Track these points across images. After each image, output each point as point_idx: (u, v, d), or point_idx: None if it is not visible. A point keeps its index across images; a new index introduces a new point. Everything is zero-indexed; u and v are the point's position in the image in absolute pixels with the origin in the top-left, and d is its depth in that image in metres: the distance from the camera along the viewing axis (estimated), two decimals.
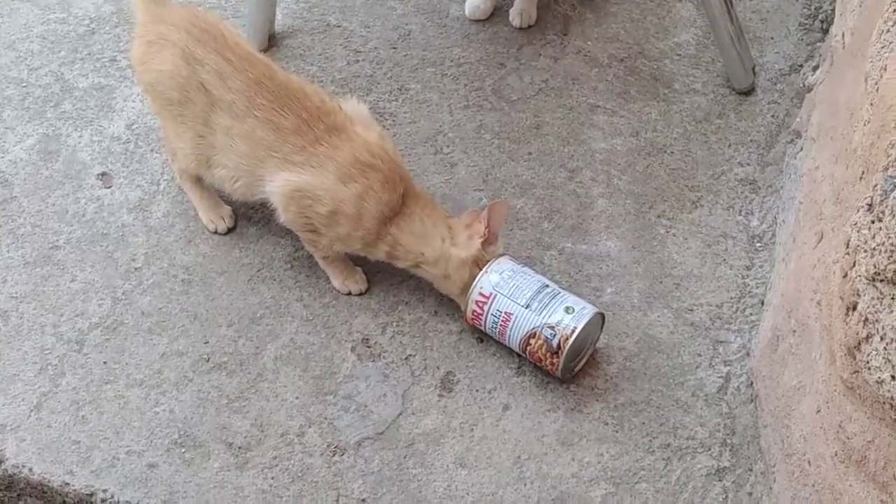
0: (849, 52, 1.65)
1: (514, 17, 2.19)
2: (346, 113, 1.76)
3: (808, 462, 1.38)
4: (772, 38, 2.17)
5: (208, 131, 1.76)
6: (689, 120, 2.05)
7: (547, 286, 1.72)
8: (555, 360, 1.68)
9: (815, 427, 1.35)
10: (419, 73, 2.13)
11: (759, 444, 1.62)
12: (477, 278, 1.72)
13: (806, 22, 2.17)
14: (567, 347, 1.66)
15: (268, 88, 1.72)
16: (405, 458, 1.65)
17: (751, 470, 1.63)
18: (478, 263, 1.72)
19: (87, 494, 1.61)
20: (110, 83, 2.11)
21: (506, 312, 1.70)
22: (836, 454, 1.27)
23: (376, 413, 1.69)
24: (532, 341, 1.69)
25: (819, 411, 1.34)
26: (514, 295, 1.70)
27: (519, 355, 1.74)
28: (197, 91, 1.74)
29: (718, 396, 1.71)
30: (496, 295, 1.71)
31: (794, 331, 1.51)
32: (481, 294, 1.71)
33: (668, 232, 1.91)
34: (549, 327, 1.67)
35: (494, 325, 1.72)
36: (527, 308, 1.69)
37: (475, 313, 1.73)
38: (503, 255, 1.77)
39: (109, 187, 1.96)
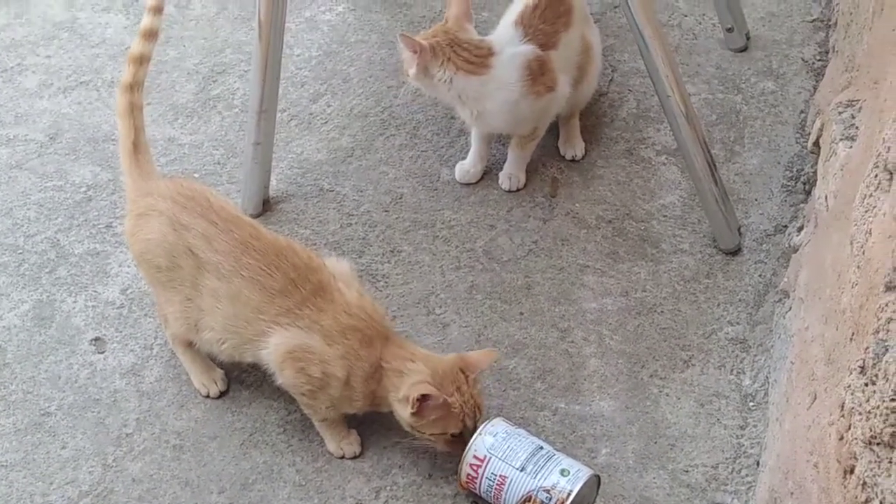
0: (832, 214, 1.68)
1: (504, 180, 2.24)
2: (330, 271, 1.79)
3: None
4: (756, 200, 2.21)
5: (196, 294, 1.78)
6: (678, 280, 2.08)
7: (542, 448, 1.71)
8: None
9: None
10: (411, 235, 2.16)
11: None
12: (471, 441, 1.71)
13: (788, 184, 2.22)
14: None
15: (255, 248, 1.75)
16: None
17: None
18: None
19: None
20: (105, 249, 2.13)
21: (501, 475, 1.68)
22: None
23: None
24: None
25: None
26: (508, 458, 1.69)
27: None
28: (184, 256, 1.76)
29: None
30: (490, 458, 1.70)
31: (792, 493, 1.50)
32: (475, 457, 1.70)
33: (660, 391, 1.91)
34: (544, 490, 1.66)
35: (489, 489, 1.70)
36: (522, 471, 1.68)
37: (470, 477, 1.71)
38: (497, 416, 1.77)
39: (102, 352, 1.96)
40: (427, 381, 1.69)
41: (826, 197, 1.76)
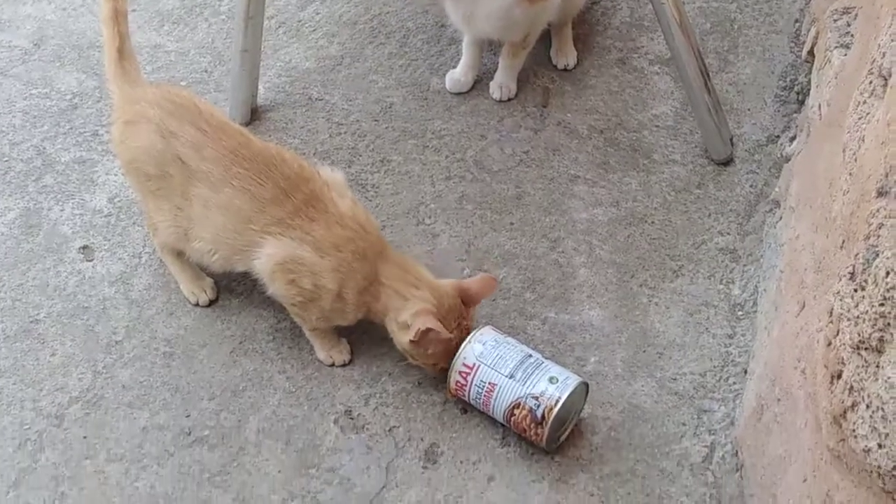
0: (826, 122, 1.67)
1: (494, 90, 2.22)
2: (324, 180, 1.77)
3: None
4: (748, 110, 2.19)
5: (186, 203, 1.76)
6: (669, 190, 2.07)
7: (530, 356, 1.72)
8: (539, 431, 1.67)
9: (802, 496, 1.34)
10: (401, 146, 2.14)
11: None
12: (461, 349, 1.71)
13: (782, 94, 2.20)
14: (552, 418, 1.65)
15: (244, 156, 1.72)
16: None
17: None
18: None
19: None
20: (92, 157, 2.11)
21: (490, 383, 1.69)
22: None
23: (360, 486, 1.68)
24: (516, 412, 1.68)
25: (805, 480, 1.34)
26: (497, 365, 1.70)
27: (503, 426, 1.73)
28: (173, 164, 1.74)
29: (704, 466, 1.70)
30: (480, 365, 1.70)
31: (779, 399, 1.51)
32: (465, 365, 1.71)
33: (650, 301, 1.91)
34: (533, 397, 1.67)
35: (478, 396, 1.71)
36: (511, 378, 1.68)
37: (459, 384, 1.72)
38: (486, 325, 1.77)
39: (91, 261, 1.95)
40: (433, 313, 1.69)
41: (819, 105, 1.74)
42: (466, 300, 1.74)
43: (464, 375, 1.71)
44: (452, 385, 1.73)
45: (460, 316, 1.73)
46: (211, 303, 1.90)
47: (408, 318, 1.70)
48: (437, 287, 1.74)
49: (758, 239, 1.97)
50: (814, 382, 1.31)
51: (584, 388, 1.72)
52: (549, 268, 1.96)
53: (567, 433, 1.73)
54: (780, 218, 1.84)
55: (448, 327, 1.70)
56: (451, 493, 1.67)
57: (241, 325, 1.87)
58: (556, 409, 1.65)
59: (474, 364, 1.70)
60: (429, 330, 1.67)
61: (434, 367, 1.75)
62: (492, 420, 1.74)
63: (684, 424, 1.75)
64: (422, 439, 1.73)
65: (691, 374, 1.82)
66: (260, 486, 1.67)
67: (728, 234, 2.01)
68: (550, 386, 1.67)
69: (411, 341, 1.69)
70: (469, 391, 1.72)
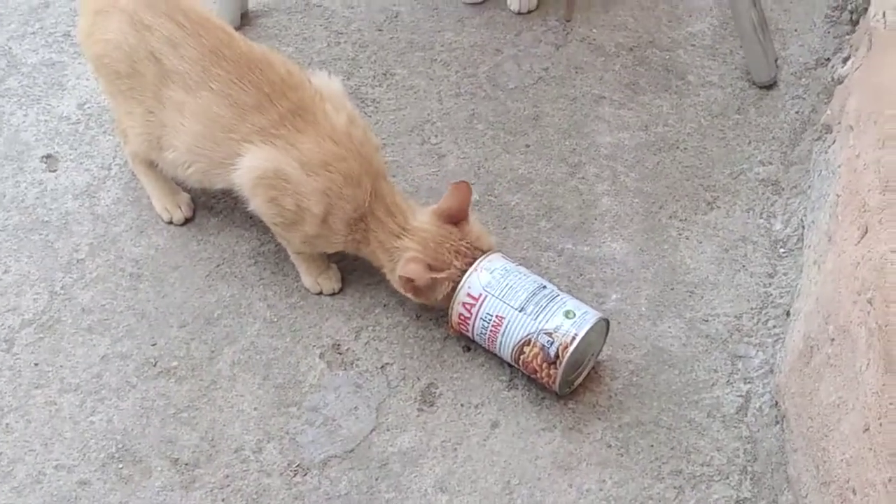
0: (892, 29, 1.46)
1: (513, 1, 2.00)
2: (316, 88, 1.55)
3: (853, 491, 1.18)
4: (795, 31, 1.98)
5: (159, 107, 1.56)
6: (705, 114, 1.86)
7: (544, 287, 1.51)
8: (552, 372, 1.46)
9: (863, 449, 1.15)
10: (406, 58, 1.93)
11: (787, 471, 1.41)
12: (465, 277, 1.51)
13: (833, 14, 1.99)
14: (566, 357, 1.45)
15: (226, 57, 1.52)
16: (377, 480, 1.44)
17: (775, 502, 1.43)
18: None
19: None
20: (62, 59, 1.91)
21: (497, 316, 1.48)
22: (890, 480, 1.06)
23: (345, 428, 1.49)
24: (526, 349, 1.47)
25: (868, 430, 1.15)
26: (506, 296, 1.49)
27: (510, 366, 1.54)
28: (146, 61, 1.54)
29: (738, 418, 1.50)
30: (486, 296, 1.49)
31: (833, 339, 1.30)
32: (469, 295, 1.50)
33: (680, 234, 1.71)
34: (545, 333, 1.46)
35: (483, 331, 1.50)
36: (521, 311, 1.48)
37: (462, 317, 1.52)
38: (496, 251, 1.56)
39: (54, 171, 1.75)
40: (417, 259, 1.50)
41: (884, 13, 1.53)
42: (450, 219, 1.54)
43: (467, 307, 1.50)
44: (455, 318, 1.53)
45: (455, 241, 1.52)
46: (186, 221, 1.71)
47: (399, 271, 1.52)
48: (417, 229, 1.54)
49: (804, 169, 1.76)
50: (885, 312, 1.10)
51: (604, 326, 1.52)
52: (568, 195, 1.75)
53: (583, 377, 1.54)
54: (833, 142, 1.63)
55: (443, 262, 1.51)
56: (450, 438, 1.48)
57: (218, 246, 1.68)
58: (571, 348, 1.45)
59: (480, 294, 1.50)
60: (409, 280, 1.49)
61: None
62: (498, 359, 1.55)
63: (716, 371, 1.55)
64: (418, 378, 1.55)
65: (725, 315, 1.61)
66: (232, 425, 1.48)
67: (770, 163, 1.79)
68: (566, 321, 1.46)
69: (412, 295, 1.52)
70: (473, 325, 1.51)
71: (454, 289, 1.52)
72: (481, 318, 1.50)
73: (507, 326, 1.49)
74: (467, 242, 1.53)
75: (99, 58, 1.61)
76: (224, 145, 1.54)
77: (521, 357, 1.49)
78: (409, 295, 1.53)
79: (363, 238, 1.55)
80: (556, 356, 1.46)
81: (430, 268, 1.50)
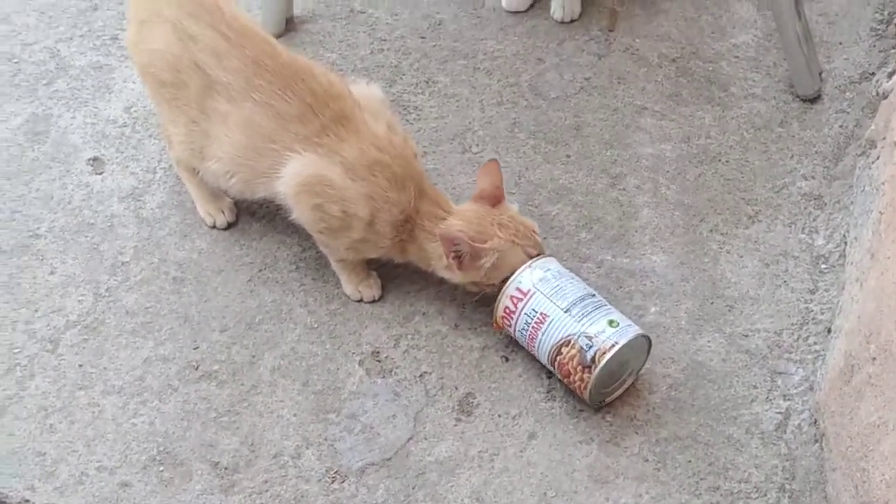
0: None
1: (556, 9, 2.00)
2: (356, 98, 1.57)
3: None
4: (840, 44, 1.96)
5: (203, 117, 1.57)
6: (748, 127, 1.85)
7: (593, 296, 1.52)
8: (585, 377, 1.47)
9: None
10: (449, 66, 1.94)
11: (825, 490, 1.41)
12: (516, 273, 1.52)
13: (878, 27, 1.97)
14: (603, 362, 1.45)
15: (269, 68, 1.53)
16: (414, 488, 1.44)
17: None
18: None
19: None
20: (110, 62, 1.93)
21: (541, 313, 1.49)
22: None
23: (384, 436, 1.50)
24: (564, 350, 1.48)
25: None
26: (554, 296, 1.50)
27: (549, 377, 1.54)
28: (190, 71, 1.55)
29: (776, 435, 1.49)
30: (535, 293, 1.50)
31: (874, 358, 1.29)
32: (518, 290, 1.51)
33: (721, 248, 1.70)
34: (586, 336, 1.46)
35: (525, 327, 1.51)
36: (566, 313, 1.48)
37: (507, 310, 1.52)
38: (550, 256, 1.57)
39: (100, 173, 1.77)
40: (459, 229, 1.52)
41: None
42: (488, 200, 1.57)
43: (515, 301, 1.51)
44: (500, 312, 1.54)
45: (496, 216, 1.55)
46: (229, 225, 1.72)
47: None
48: (459, 211, 1.57)
49: (847, 185, 1.74)
50: None
51: (645, 344, 1.52)
52: (608, 206, 1.75)
53: (618, 394, 1.54)
54: (878, 158, 1.62)
55: (487, 234, 1.52)
56: (487, 449, 1.48)
57: (261, 251, 1.69)
58: (609, 354, 1.45)
59: (529, 290, 1.51)
60: (450, 239, 1.50)
61: (504, 284, 1.55)
62: (536, 370, 1.55)
63: (755, 387, 1.54)
64: (456, 388, 1.54)
65: (765, 331, 1.60)
66: (272, 430, 1.49)
67: (813, 178, 1.78)
68: (609, 328, 1.47)
69: (459, 270, 1.53)
70: (517, 320, 1.52)
71: (502, 264, 1.53)
72: (526, 314, 1.51)
73: (549, 325, 1.49)
74: (509, 216, 1.55)
75: (144, 67, 1.62)
76: (267, 155, 1.55)
77: (558, 358, 1.49)
78: (456, 273, 1.54)
79: (409, 236, 1.56)
80: (593, 360, 1.46)
81: (474, 241, 1.51)
